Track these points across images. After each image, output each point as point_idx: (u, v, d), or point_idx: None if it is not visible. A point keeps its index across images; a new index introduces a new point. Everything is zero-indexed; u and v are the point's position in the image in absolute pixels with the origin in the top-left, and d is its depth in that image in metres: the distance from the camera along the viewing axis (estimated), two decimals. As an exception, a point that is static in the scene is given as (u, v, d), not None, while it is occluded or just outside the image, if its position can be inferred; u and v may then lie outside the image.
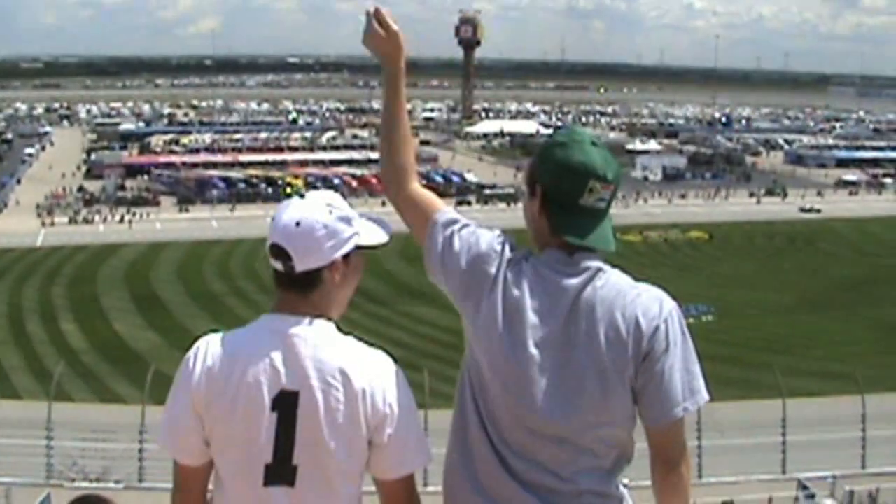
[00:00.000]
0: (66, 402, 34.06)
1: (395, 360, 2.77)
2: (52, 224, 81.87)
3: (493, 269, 2.79)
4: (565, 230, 2.74)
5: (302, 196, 2.75)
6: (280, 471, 2.61)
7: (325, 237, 2.66)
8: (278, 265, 2.67)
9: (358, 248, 2.74)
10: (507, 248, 2.83)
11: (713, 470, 26.69)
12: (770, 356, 43.09)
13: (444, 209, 2.98)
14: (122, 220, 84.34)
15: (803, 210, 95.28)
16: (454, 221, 2.92)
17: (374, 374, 2.66)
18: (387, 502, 2.79)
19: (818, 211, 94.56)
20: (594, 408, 2.68)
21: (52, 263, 67.60)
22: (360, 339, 2.77)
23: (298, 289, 2.69)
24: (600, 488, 2.73)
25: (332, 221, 2.68)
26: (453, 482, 2.83)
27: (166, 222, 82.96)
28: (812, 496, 21.95)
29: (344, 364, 2.63)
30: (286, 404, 2.60)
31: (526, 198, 2.86)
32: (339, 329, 2.73)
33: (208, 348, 2.68)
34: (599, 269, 2.73)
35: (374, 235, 2.78)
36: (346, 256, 2.71)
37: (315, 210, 2.68)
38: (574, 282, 2.71)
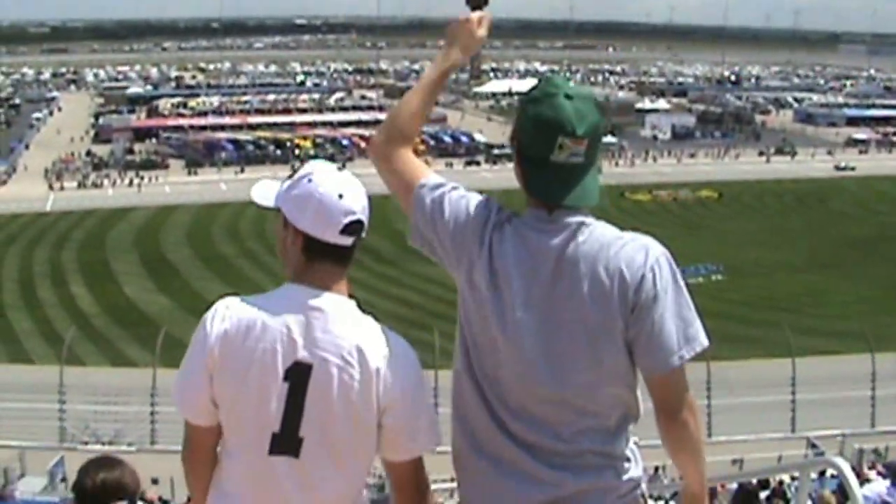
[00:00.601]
0: (78, 366, 34.23)
1: (411, 342, 2.77)
2: (62, 189, 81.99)
3: (479, 234, 2.75)
4: (536, 188, 2.69)
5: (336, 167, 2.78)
6: (286, 441, 2.62)
7: None
8: (349, 241, 2.69)
9: None
10: (493, 212, 2.78)
11: (723, 429, 26.76)
12: (779, 315, 43.06)
13: (432, 174, 2.94)
14: (130, 183, 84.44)
15: (837, 168, 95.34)
16: (443, 184, 2.88)
17: (390, 354, 2.66)
18: (396, 483, 2.81)
19: (852, 169, 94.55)
20: (587, 367, 2.64)
21: (61, 228, 67.74)
22: (373, 312, 2.76)
23: (346, 262, 2.73)
24: (604, 448, 2.70)
25: None
26: (454, 442, 2.84)
27: (175, 185, 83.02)
28: (821, 454, 21.98)
29: (362, 342, 2.63)
30: (299, 376, 2.60)
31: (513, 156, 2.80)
32: (360, 307, 2.73)
33: (227, 311, 2.67)
34: (582, 224, 2.65)
35: None
36: None
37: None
38: (555, 240, 2.65)
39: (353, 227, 2.66)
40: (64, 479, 21.99)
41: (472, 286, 2.75)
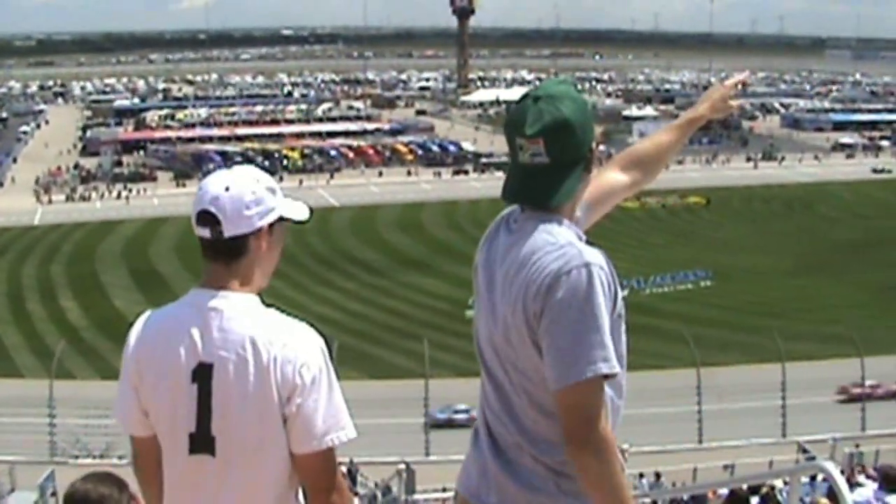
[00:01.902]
0: (68, 379, 34.13)
1: (322, 333, 2.78)
2: (50, 202, 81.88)
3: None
4: (502, 189, 2.73)
5: (229, 167, 2.83)
6: (201, 440, 2.70)
7: (252, 203, 2.72)
8: (205, 232, 2.73)
9: (281, 219, 2.80)
10: (500, 218, 2.85)
11: (713, 434, 26.80)
12: (769, 320, 43.15)
13: None
14: (119, 196, 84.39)
15: (875, 171, 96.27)
16: None
17: (286, 344, 2.67)
18: (303, 480, 2.78)
19: (889, 171, 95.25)
20: (514, 367, 2.68)
21: (50, 241, 67.62)
22: (298, 314, 2.79)
23: (226, 258, 2.76)
24: (541, 457, 2.69)
25: (259, 189, 2.74)
26: None
27: (163, 198, 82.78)
28: (812, 459, 22.01)
29: (255, 334, 2.67)
30: (203, 376, 2.68)
31: None
32: (264, 302, 2.77)
33: (142, 325, 2.83)
34: (531, 229, 2.67)
35: (296, 209, 2.85)
36: (270, 226, 2.77)
37: (243, 178, 2.75)
38: (505, 243, 2.72)
39: (203, 218, 2.73)
40: (54, 494, 21.86)
41: None
